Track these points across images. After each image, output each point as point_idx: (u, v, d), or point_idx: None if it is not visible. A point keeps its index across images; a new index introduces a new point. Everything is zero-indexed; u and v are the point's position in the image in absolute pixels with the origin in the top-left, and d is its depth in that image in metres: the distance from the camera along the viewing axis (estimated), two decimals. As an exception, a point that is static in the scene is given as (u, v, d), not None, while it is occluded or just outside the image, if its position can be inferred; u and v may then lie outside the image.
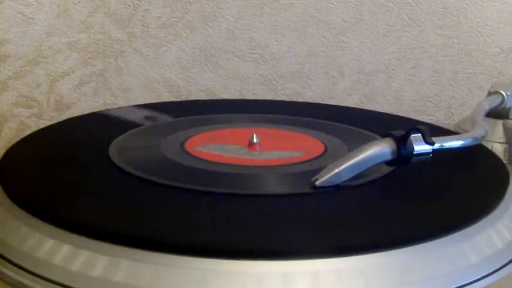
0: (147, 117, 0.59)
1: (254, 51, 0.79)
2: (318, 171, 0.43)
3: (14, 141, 0.52)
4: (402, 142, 0.44)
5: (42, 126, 0.58)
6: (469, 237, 0.38)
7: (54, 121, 0.61)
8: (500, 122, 0.59)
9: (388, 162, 0.45)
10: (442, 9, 0.79)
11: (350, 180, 0.43)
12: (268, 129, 0.57)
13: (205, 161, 0.48)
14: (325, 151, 0.51)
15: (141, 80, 0.77)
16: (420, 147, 0.45)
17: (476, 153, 0.51)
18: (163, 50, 0.77)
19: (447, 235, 0.38)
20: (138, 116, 0.59)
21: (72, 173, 0.46)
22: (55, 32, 0.72)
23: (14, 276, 0.37)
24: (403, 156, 0.44)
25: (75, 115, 0.63)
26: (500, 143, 0.58)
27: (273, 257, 0.34)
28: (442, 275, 0.36)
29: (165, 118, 0.60)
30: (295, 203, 0.42)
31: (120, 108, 0.63)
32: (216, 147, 0.52)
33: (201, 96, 0.79)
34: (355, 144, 0.46)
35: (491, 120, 0.58)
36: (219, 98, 0.79)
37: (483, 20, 0.80)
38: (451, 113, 0.82)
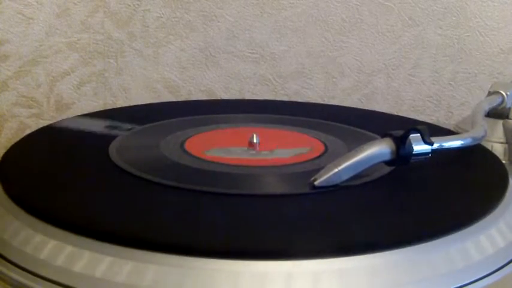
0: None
1: (254, 51, 0.79)
2: (318, 171, 0.43)
3: (14, 141, 0.52)
4: (401, 142, 0.44)
5: (42, 126, 0.58)
6: (469, 237, 0.38)
7: (54, 121, 0.61)
8: (500, 122, 0.59)
9: (388, 162, 0.45)
10: (442, 9, 0.79)
11: (349, 180, 0.43)
12: (268, 129, 0.57)
13: (205, 161, 0.48)
14: (325, 151, 0.51)
15: (141, 80, 0.77)
16: (419, 147, 0.45)
17: (476, 153, 0.51)
18: (163, 50, 0.77)
19: (447, 235, 0.38)
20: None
21: (72, 173, 0.46)
22: (55, 32, 0.72)
23: (16, 278, 0.36)
24: (402, 156, 0.44)
25: (75, 115, 0.63)
26: (500, 143, 0.58)
27: (272, 257, 0.34)
28: (442, 274, 0.36)
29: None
30: (295, 203, 0.42)
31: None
32: (216, 147, 0.51)
33: (201, 96, 0.79)
34: (355, 144, 0.46)
35: (491, 120, 0.58)
36: (219, 98, 0.79)
37: (483, 20, 0.80)
38: (451, 113, 0.82)
